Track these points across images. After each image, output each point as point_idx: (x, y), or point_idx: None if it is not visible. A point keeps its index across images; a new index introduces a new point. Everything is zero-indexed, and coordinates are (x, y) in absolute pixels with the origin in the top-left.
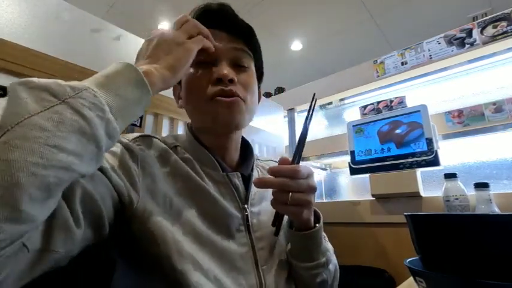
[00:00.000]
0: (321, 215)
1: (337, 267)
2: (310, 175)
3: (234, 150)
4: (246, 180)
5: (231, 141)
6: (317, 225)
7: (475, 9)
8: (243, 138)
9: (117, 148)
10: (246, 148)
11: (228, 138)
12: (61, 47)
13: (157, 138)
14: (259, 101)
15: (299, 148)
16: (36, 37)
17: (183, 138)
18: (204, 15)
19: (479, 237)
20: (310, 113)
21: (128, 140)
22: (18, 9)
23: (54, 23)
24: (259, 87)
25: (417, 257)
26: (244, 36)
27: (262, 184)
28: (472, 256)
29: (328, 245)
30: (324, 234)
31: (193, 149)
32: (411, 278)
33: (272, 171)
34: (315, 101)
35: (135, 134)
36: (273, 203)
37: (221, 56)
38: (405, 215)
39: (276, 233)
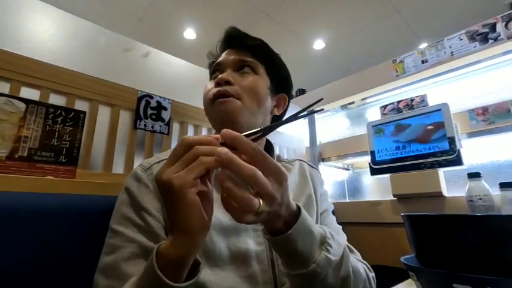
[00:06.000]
0: (302, 212)
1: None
2: (277, 177)
3: None
4: None
5: None
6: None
7: None
8: (267, 140)
9: (133, 187)
10: (269, 150)
11: None
12: (98, 67)
13: None
14: (281, 107)
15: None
16: (77, 60)
17: None
18: (223, 41)
19: (458, 235)
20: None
21: (144, 169)
22: (63, 37)
23: (92, 46)
24: (281, 94)
25: (413, 255)
26: (250, 49)
27: (232, 138)
28: (455, 252)
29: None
30: (324, 233)
31: None
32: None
33: (232, 137)
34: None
35: (152, 161)
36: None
37: (226, 65)
38: (402, 215)
39: None
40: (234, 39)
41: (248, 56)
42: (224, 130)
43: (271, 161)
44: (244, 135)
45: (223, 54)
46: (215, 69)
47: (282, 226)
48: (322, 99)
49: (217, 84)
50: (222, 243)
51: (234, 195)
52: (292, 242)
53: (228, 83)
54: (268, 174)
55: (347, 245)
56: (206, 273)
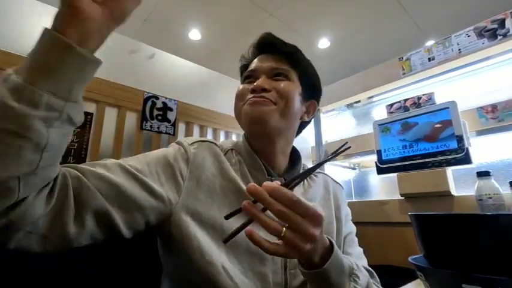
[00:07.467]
0: (334, 247)
1: None
2: (315, 219)
3: (282, 156)
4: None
5: (275, 146)
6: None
7: None
8: (293, 148)
9: (174, 149)
10: (296, 157)
11: (271, 143)
12: (104, 69)
13: (214, 143)
14: (310, 113)
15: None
16: None
17: (240, 144)
18: (256, 46)
19: (468, 235)
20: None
21: (188, 143)
22: None
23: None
24: (311, 101)
25: (421, 255)
26: (284, 56)
27: (256, 193)
28: (464, 252)
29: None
30: (351, 264)
31: (245, 153)
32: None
33: (269, 189)
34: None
35: (196, 138)
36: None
37: (261, 72)
38: (409, 215)
39: (225, 240)
40: (268, 45)
41: (282, 63)
42: (266, 183)
43: (308, 205)
44: (282, 184)
45: (257, 60)
46: (249, 75)
47: (318, 260)
48: (350, 147)
49: (253, 91)
50: (238, 249)
51: (263, 221)
52: (328, 275)
53: (264, 90)
54: (305, 216)
55: (368, 269)
56: (222, 256)
